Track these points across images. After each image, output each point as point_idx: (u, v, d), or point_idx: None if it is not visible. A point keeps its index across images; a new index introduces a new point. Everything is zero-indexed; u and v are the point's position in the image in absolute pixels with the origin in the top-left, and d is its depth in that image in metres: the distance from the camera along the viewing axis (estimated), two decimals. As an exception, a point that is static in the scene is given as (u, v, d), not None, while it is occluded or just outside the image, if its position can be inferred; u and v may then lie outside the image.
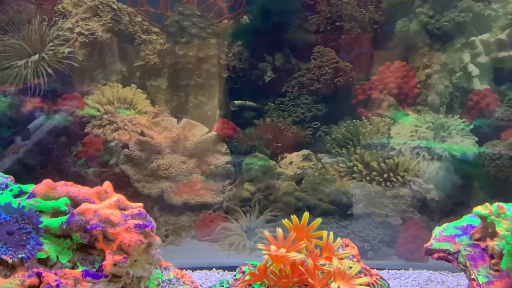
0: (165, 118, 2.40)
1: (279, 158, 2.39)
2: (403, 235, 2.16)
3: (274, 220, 2.22)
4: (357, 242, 2.10)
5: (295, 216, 1.13)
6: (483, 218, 1.20)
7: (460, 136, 2.27)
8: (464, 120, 2.28)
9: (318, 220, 1.13)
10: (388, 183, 2.20)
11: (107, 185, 1.24)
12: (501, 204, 1.21)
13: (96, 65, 2.45)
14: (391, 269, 1.99)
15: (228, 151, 2.40)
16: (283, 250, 1.04)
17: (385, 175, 2.19)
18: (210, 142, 2.37)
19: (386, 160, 2.21)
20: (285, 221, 1.12)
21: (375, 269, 1.97)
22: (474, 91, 2.31)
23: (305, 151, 2.37)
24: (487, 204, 1.23)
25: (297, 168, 2.31)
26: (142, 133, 2.33)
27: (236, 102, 2.49)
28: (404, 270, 1.99)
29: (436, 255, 1.28)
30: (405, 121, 2.34)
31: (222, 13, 2.62)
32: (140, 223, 1.07)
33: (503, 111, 2.25)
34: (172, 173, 2.32)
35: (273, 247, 1.05)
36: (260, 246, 1.06)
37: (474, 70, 2.33)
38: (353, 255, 1.26)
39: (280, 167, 2.34)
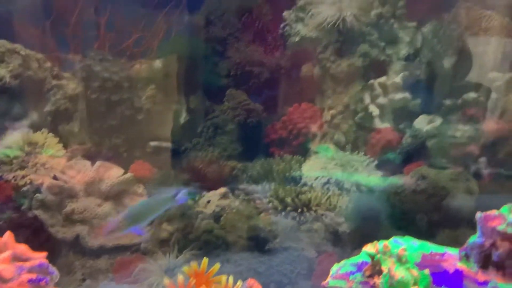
0: (78, 161, 2.37)
1: (197, 197, 2.43)
2: (318, 268, 2.24)
3: (194, 259, 2.23)
4: (276, 277, 2.14)
5: (195, 263, 1.17)
6: (371, 256, 1.28)
7: (366, 171, 2.41)
8: (368, 156, 2.44)
9: (217, 266, 1.18)
10: (302, 218, 2.29)
11: (7, 235, 1.22)
12: (386, 242, 1.30)
13: (5, 111, 2.38)
14: (308, 302, 2.05)
15: (145, 192, 2.42)
16: (182, 297, 1.08)
17: (299, 210, 2.28)
18: (126, 183, 2.36)
19: (299, 196, 2.31)
20: (185, 268, 1.16)
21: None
22: (376, 129, 2.48)
23: (222, 189, 2.41)
24: (375, 242, 1.32)
25: (216, 206, 2.35)
26: (55, 177, 2.30)
27: (152, 143, 2.53)
28: (320, 303, 2.05)
29: (332, 293, 1.34)
30: (328, 154, 2.46)
31: (134, 57, 2.67)
32: (35, 277, 1.07)
33: (402, 147, 2.43)
34: (87, 217, 2.29)
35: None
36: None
37: (374, 110, 2.49)
38: (254, 295, 1.30)
39: (198, 206, 2.38)
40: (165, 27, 2.57)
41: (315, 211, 2.35)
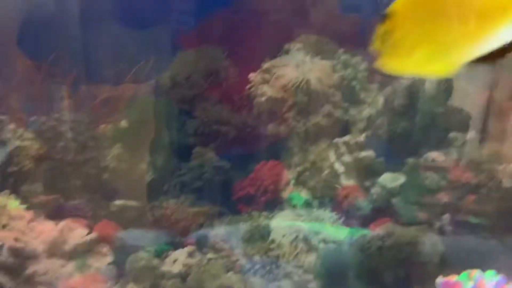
0: (41, 222, 2.34)
1: (164, 255, 2.40)
2: (287, 328, 2.21)
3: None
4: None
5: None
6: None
7: (334, 228, 2.43)
8: (335, 213, 2.46)
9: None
10: (270, 276, 2.27)
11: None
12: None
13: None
14: None
15: (110, 251, 2.37)
16: None
17: (268, 268, 2.27)
18: (91, 243, 2.32)
19: (268, 253, 2.29)
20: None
21: None
22: (342, 186, 2.51)
23: (189, 248, 2.38)
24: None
25: (182, 265, 2.32)
26: (16, 239, 2.24)
27: (117, 202, 2.50)
28: None
29: None
30: (299, 202, 2.47)
31: (101, 118, 2.67)
32: None
33: (368, 205, 2.47)
34: (50, 278, 2.22)
35: None
36: None
37: (339, 168, 2.53)
38: None
39: (165, 264, 2.34)
40: (132, 88, 2.61)
41: (284, 268, 2.36)
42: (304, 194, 2.55)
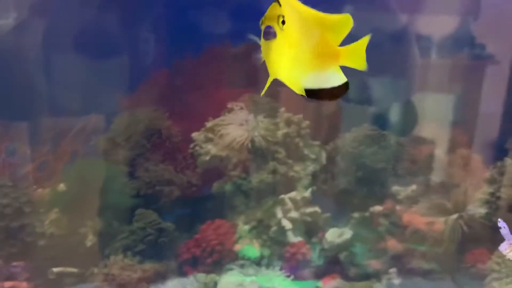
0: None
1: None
2: None
3: None
4: None
5: None
6: None
7: (284, 284, 2.39)
8: (284, 271, 2.42)
9: None
10: None
11: None
12: None
13: None
14: None
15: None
16: None
17: (217, 332, 2.19)
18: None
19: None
20: None
21: None
22: (289, 243, 2.49)
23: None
24: None
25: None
26: None
27: (55, 269, 2.37)
28: None
29: None
30: (252, 255, 2.42)
31: (37, 182, 2.56)
32: None
33: (314, 260, 2.45)
34: None
35: None
36: None
37: (287, 224, 2.51)
38: None
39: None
40: (70, 151, 2.54)
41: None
42: (251, 253, 2.51)
